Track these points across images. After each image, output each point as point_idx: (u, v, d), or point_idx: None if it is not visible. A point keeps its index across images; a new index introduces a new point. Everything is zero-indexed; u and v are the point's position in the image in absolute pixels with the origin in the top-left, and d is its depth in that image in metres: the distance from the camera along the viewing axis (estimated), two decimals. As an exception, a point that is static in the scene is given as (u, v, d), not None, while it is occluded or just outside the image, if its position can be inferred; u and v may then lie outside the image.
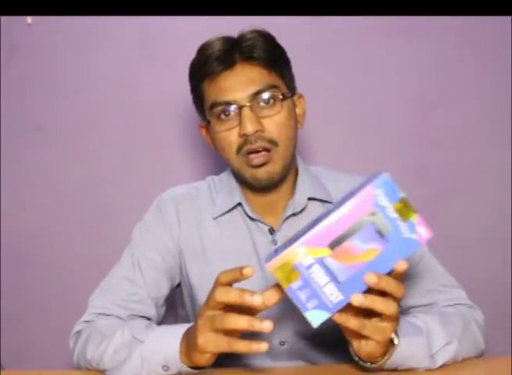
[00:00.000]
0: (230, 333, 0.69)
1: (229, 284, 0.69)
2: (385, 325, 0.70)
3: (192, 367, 0.78)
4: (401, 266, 0.65)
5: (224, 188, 1.05)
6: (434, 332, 0.83)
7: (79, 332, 0.95)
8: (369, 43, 1.48)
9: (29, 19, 1.46)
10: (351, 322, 0.68)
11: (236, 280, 0.68)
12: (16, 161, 1.50)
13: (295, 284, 0.63)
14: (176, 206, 1.05)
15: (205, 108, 0.99)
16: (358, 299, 0.64)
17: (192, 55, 1.50)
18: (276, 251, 0.66)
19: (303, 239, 0.62)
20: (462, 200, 1.49)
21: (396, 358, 0.77)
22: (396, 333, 0.76)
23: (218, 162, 1.46)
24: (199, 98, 1.00)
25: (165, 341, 0.79)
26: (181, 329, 0.79)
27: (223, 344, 0.68)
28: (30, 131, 1.50)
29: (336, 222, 0.62)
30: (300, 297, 0.63)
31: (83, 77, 1.48)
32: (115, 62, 1.48)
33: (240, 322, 0.65)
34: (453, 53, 1.48)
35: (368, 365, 0.77)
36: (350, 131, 1.49)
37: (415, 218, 0.64)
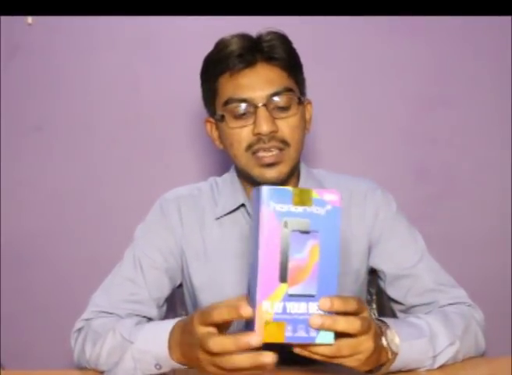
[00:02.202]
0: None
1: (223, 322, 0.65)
2: (363, 346, 0.68)
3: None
4: (324, 304, 0.63)
5: (227, 189, 1.05)
6: (437, 333, 0.83)
7: (79, 330, 0.96)
8: (369, 43, 1.48)
9: (29, 19, 1.46)
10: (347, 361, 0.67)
11: (231, 320, 0.64)
12: (16, 161, 1.50)
13: (288, 332, 0.62)
14: (179, 207, 1.05)
15: (218, 103, 0.99)
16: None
17: (192, 55, 1.50)
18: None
19: (258, 297, 0.61)
20: (462, 200, 1.49)
21: (399, 362, 0.77)
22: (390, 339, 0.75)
23: (220, 162, 1.46)
24: (212, 92, 1.00)
25: (153, 340, 0.78)
26: (168, 325, 0.78)
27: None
28: (30, 131, 1.50)
29: (266, 260, 0.61)
30: (301, 335, 0.62)
31: (83, 77, 1.48)
32: (115, 62, 1.48)
33: (244, 363, 0.62)
34: (453, 53, 1.48)
35: (373, 373, 0.77)
36: (350, 131, 1.49)
37: (316, 194, 0.63)
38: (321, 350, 0.65)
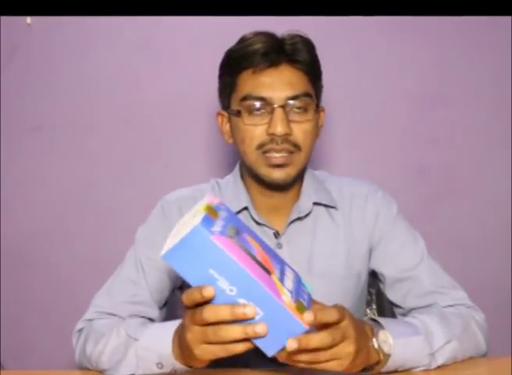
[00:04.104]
0: None
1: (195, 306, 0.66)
2: (342, 352, 0.69)
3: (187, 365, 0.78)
4: (308, 319, 0.64)
5: (230, 191, 1.05)
6: (433, 331, 0.83)
7: (80, 330, 0.96)
8: (369, 43, 1.48)
9: (28, 19, 1.46)
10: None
11: (197, 303, 0.65)
12: (15, 161, 1.50)
13: (304, 301, 0.67)
14: (180, 208, 1.04)
15: (235, 97, 0.98)
16: (293, 346, 0.63)
17: (192, 55, 1.50)
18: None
19: (277, 300, 0.63)
20: (462, 199, 1.50)
21: (395, 360, 0.78)
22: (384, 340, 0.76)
23: (221, 162, 1.46)
24: (230, 86, 0.99)
25: (158, 339, 0.79)
26: (173, 325, 0.78)
27: (220, 352, 0.67)
28: (30, 131, 1.50)
29: (253, 270, 0.62)
30: (306, 299, 0.68)
31: (83, 77, 1.48)
32: (115, 62, 1.48)
33: (235, 332, 0.64)
34: (453, 53, 1.48)
35: (364, 373, 0.77)
36: (350, 131, 1.49)
37: (210, 203, 0.68)
38: (302, 358, 0.67)
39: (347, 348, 0.69)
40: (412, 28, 1.47)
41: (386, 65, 1.48)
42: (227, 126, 1.02)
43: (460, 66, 1.48)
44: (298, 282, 0.70)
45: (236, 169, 1.07)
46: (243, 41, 0.99)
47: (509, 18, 1.44)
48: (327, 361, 0.68)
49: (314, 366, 0.69)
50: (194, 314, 0.66)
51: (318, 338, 0.66)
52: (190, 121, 1.48)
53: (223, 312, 0.63)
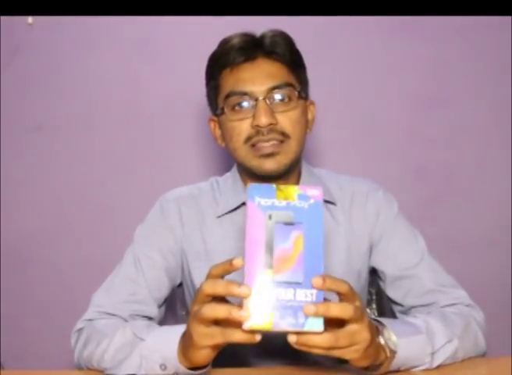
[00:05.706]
0: (226, 324, 0.67)
1: (221, 277, 0.68)
2: (360, 336, 0.68)
3: (191, 368, 0.77)
4: (316, 282, 0.64)
5: (229, 188, 1.06)
6: (435, 331, 0.83)
7: (80, 330, 0.95)
8: (369, 43, 1.48)
9: (29, 19, 1.46)
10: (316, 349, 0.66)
11: (227, 272, 0.67)
12: (15, 161, 1.50)
13: (276, 318, 0.63)
14: (179, 207, 1.05)
15: (220, 98, 0.99)
16: (293, 340, 0.63)
17: (192, 55, 1.50)
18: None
19: (246, 281, 0.63)
20: (462, 200, 1.49)
21: (398, 359, 0.77)
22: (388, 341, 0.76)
23: (220, 162, 1.46)
24: (215, 88, 1.00)
25: (165, 340, 0.79)
26: (181, 329, 0.79)
27: (218, 336, 0.67)
28: (30, 131, 1.50)
29: (252, 250, 0.64)
30: (289, 322, 0.63)
31: (83, 77, 1.49)
32: (115, 62, 1.48)
33: (219, 311, 0.64)
34: (453, 53, 1.48)
35: (369, 372, 0.77)
36: (349, 131, 1.49)
37: (298, 189, 0.68)
38: (319, 341, 0.64)
39: (363, 332, 0.68)
40: (411, 28, 1.47)
41: (385, 65, 1.48)
42: (219, 131, 1.03)
43: (459, 66, 1.48)
44: (297, 310, 0.63)
45: (235, 168, 1.08)
46: (220, 43, 1.00)
47: (509, 18, 1.44)
48: (346, 346, 0.67)
49: (330, 353, 0.67)
50: (197, 292, 0.68)
51: (340, 307, 0.65)
52: (189, 121, 1.48)
53: (220, 286, 0.65)
